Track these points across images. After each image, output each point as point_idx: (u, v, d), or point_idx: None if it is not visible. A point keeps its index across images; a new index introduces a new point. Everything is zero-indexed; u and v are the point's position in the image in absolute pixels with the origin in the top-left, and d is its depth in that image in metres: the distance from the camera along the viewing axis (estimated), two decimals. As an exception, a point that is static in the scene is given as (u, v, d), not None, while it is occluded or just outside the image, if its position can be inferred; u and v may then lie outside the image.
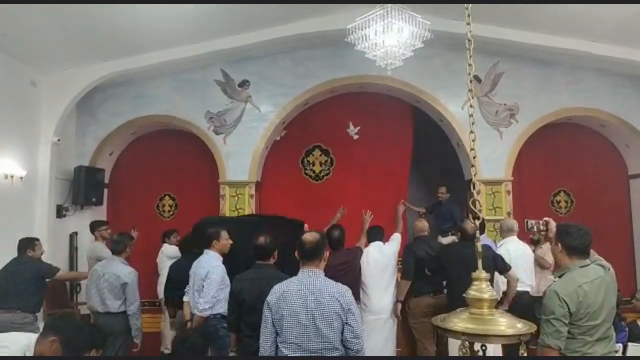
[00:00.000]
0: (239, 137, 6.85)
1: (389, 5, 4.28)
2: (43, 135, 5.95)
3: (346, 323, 2.53)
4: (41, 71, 5.92)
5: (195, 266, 3.84)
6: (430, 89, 6.80)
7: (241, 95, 6.91)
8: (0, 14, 4.61)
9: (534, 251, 5.32)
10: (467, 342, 1.87)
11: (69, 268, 6.42)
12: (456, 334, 1.88)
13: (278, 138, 7.34)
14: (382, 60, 4.58)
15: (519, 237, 5.12)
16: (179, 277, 4.40)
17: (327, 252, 2.80)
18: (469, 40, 2.16)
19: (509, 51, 6.61)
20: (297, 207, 6.93)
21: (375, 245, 4.80)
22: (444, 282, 4.71)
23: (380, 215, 5.76)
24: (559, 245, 2.64)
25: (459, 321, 1.92)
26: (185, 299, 4.05)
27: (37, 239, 4.80)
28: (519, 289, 4.49)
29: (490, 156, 6.73)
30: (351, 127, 7.38)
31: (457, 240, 4.92)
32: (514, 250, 4.84)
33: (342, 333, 2.54)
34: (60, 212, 6.32)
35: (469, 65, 2.15)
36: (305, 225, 4.38)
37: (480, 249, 2.07)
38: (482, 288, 1.96)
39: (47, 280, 4.65)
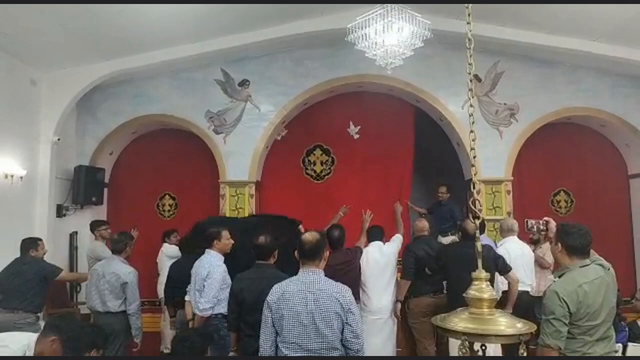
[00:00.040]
0: (238, 137, 6.85)
1: (389, 4, 4.28)
2: (43, 134, 5.95)
3: (346, 323, 2.53)
4: (41, 70, 5.92)
5: (196, 266, 3.84)
6: (430, 88, 6.80)
7: (241, 94, 6.91)
8: (0, 14, 4.61)
9: (533, 251, 5.32)
10: (467, 342, 1.87)
11: (69, 268, 6.42)
12: (456, 333, 1.88)
13: (279, 138, 7.34)
14: (382, 59, 4.58)
15: (519, 237, 5.11)
16: (180, 276, 4.41)
17: (327, 252, 2.80)
18: (469, 40, 2.16)
19: (509, 51, 6.61)
20: (298, 207, 6.93)
21: (375, 245, 4.79)
22: (444, 282, 4.72)
23: (383, 215, 5.76)
24: (559, 245, 2.64)
25: (459, 321, 1.92)
26: (187, 298, 4.05)
27: (40, 239, 4.80)
28: (519, 288, 4.49)
29: (490, 156, 6.73)
30: (352, 126, 7.39)
31: (457, 240, 4.91)
32: (514, 250, 4.84)
33: (342, 333, 2.54)
34: (60, 211, 6.32)
35: (469, 64, 2.15)
36: (300, 227, 4.39)
37: (480, 249, 2.07)
38: (482, 288, 1.96)
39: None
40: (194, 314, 3.76)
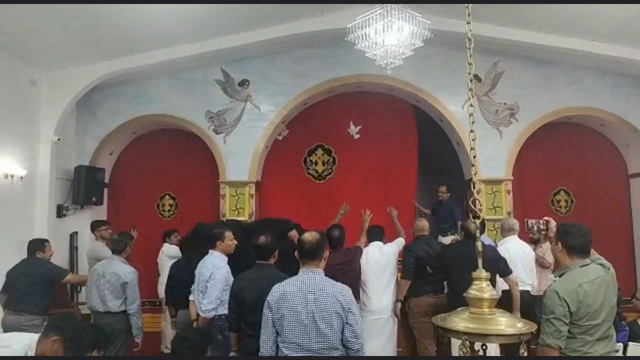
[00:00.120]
0: (238, 137, 6.85)
1: (389, 4, 4.28)
2: (43, 134, 5.95)
3: (346, 322, 2.54)
4: (41, 70, 5.92)
5: (200, 267, 3.83)
6: (430, 88, 6.80)
7: (241, 94, 6.91)
8: (0, 13, 4.61)
9: (534, 250, 5.32)
10: (467, 342, 1.87)
11: (69, 268, 6.41)
12: (457, 333, 1.88)
13: (280, 138, 7.34)
14: (382, 59, 4.58)
15: (520, 237, 5.11)
16: (180, 276, 4.41)
17: (327, 252, 2.80)
18: (469, 40, 2.16)
19: (509, 50, 6.60)
20: (299, 207, 6.95)
21: (375, 245, 4.80)
22: (444, 282, 4.72)
23: (385, 215, 5.74)
24: (559, 244, 2.64)
25: (459, 321, 1.92)
26: (191, 297, 4.04)
27: (47, 241, 4.81)
28: (519, 288, 4.49)
29: (491, 155, 6.73)
30: (352, 126, 7.39)
31: (459, 239, 4.91)
32: (514, 250, 4.84)
33: (342, 333, 2.54)
34: (60, 211, 6.32)
35: (469, 64, 2.15)
36: (293, 232, 4.39)
37: (480, 248, 2.07)
38: (483, 287, 1.96)
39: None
40: (198, 314, 3.75)
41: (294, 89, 6.85)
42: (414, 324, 4.73)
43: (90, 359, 2.35)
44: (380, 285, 4.65)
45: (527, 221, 3.25)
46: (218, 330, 3.59)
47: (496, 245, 5.06)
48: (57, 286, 4.96)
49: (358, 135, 7.40)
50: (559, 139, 7.28)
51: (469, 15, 2.20)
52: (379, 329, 4.59)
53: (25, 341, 2.34)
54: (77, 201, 6.53)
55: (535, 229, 3.16)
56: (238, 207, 6.76)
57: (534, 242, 5.62)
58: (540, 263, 5.38)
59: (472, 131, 2.13)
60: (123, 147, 7.40)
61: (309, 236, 2.72)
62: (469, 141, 2.25)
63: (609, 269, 2.62)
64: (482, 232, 4.57)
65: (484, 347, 2.01)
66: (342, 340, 2.54)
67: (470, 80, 2.14)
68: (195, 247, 4.34)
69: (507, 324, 1.89)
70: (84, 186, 6.49)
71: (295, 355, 2.53)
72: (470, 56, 2.15)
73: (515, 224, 5.13)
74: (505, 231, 5.17)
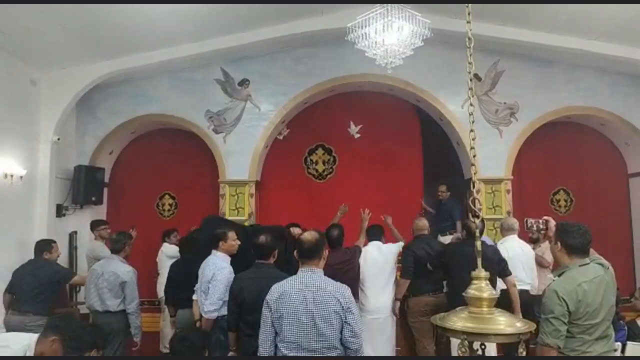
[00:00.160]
0: (238, 136, 6.85)
1: (389, 4, 4.28)
2: (43, 134, 5.95)
3: (345, 322, 2.53)
4: (41, 70, 5.91)
5: (202, 267, 3.81)
6: (430, 87, 6.81)
7: (241, 94, 6.91)
8: (0, 13, 4.60)
9: (533, 249, 5.32)
10: (466, 341, 1.88)
11: (68, 267, 6.42)
12: (455, 333, 1.88)
13: (281, 137, 7.35)
14: (382, 58, 4.58)
15: (519, 236, 5.12)
16: (180, 276, 4.41)
17: (327, 251, 2.80)
18: (469, 39, 2.16)
19: (509, 50, 6.61)
20: (299, 206, 6.96)
21: (374, 244, 4.79)
22: (444, 281, 4.72)
23: (395, 215, 5.75)
24: (559, 244, 2.64)
25: (458, 320, 1.92)
26: (194, 297, 4.02)
27: (54, 242, 4.82)
28: (518, 287, 4.49)
29: (490, 155, 6.74)
30: (352, 126, 7.39)
31: (461, 238, 4.91)
32: (513, 249, 4.84)
33: (341, 332, 2.54)
34: (60, 211, 6.32)
35: (469, 63, 2.15)
36: (296, 229, 4.38)
37: (479, 248, 2.07)
38: (482, 287, 1.97)
39: None
40: (201, 315, 3.75)
41: (294, 88, 6.85)
42: (413, 323, 4.73)
43: (89, 358, 2.35)
44: (378, 284, 4.65)
45: (526, 220, 3.24)
46: (220, 330, 3.58)
47: (495, 244, 5.06)
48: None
49: (358, 135, 7.40)
50: (558, 138, 7.28)
51: (469, 14, 2.20)
52: (377, 329, 4.58)
53: (25, 341, 2.34)
54: (76, 201, 6.54)
55: (535, 228, 3.15)
56: (238, 206, 6.76)
57: (533, 242, 5.62)
58: (539, 262, 5.37)
59: (472, 130, 2.13)
60: (123, 146, 7.41)
61: (308, 235, 2.72)
62: (468, 140, 2.26)
63: (608, 268, 2.62)
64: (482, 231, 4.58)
65: (483, 347, 2.01)
66: (341, 339, 2.54)
67: (471, 80, 2.14)
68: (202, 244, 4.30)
69: (506, 323, 1.89)
70: (83, 186, 6.49)
71: (294, 354, 2.52)
72: (471, 55, 2.15)
73: (515, 223, 5.14)
74: (505, 230, 5.17)
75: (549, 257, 5.33)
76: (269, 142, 7.07)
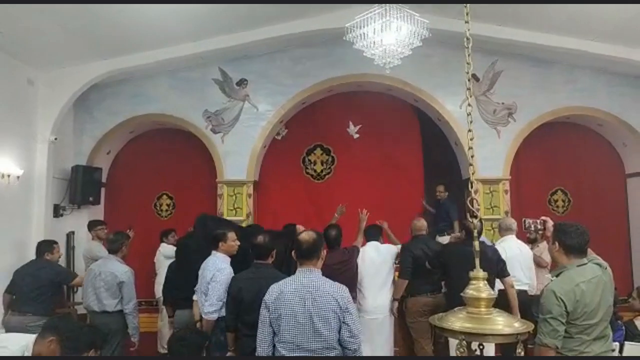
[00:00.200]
0: (236, 136, 6.84)
1: (388, 4, 4.28)
2: (40, 134, 5.92)
3: (344, 322, 2.53)
4: (38, 69, 5.89)
5: (202, 267, 3.79)
6: (429, 87, 6.81)
7: (239, 94, 6.90)
8: (-3, 12, 4.60)
9: (531, 249, 5.32)
10: (464, 342, 1.88)
11: (68, 268, 6.40)
12: (454, 333, 1.88)
13: (279, 137, 7.34)
14: (381, 58, 4.58)
15: (517, 236, 5.12)
16: (178, 277, 4.39)
17: (325, 251, 2.80)
18: (467, 39, 2.16)
19: (507, 50, 6.62)
20: (297, 206, 6.95)
21: (372, 244, 4.79)
22: (442, 281, 4.72)
23: (388, 215, 5.74)
24: (557, 244, 2.64)
25: (456, 320, 1.92)
26: (194, 297, 3.99)
27: (56, 242, 4.82)
28: (515, 288, 4.49)
29: (488, 155, 6.74)
30: (351, 126, 7.39)
31: (459, 238, 4.91)
32: (511, 249, 4.84)
33: (339, 332, 2.54)
34: (57, 211, 6.30)
35: (468, 64, 2.15)
36: (300, 227, 4.36)
37: (477, 248, 2.07)
38: (480, 287, 1.97)
39: None
40: (201, 315, 3.73)
41: (292, 88, 6.84)
42: (411, 323, 4.73)
43: (87, 359, 2.34)
44: (376, 284, 4.64)
45: (524, 221, 3.24)
46: (220, 331, 3.56)
47: (493, 244, 5.07)
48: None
49: (357, 135, 7.40)
50: (556, 138, 7.30)
51: (467, 14, 2.20)
52: (375, 329, 4.58)
53: (23, 342, 2.34)
54: (74, 201, 6.52)
55: (533, 228, 3.15)
56: (236, 206, 6.75)
57: (531, 242, 5.63)
58: (537, 263, 5.38)
59: (470, 131, 2.13)
60: (120, 146, 7.39)
61: (306, 236, 2.72)
62: (467, 141, 2.26)
63: (606, 268, 2.62)
64: (479, 231, 4.58)
65: (481, 347, 2.01)
66: (339, 340, 2.54)
67: (469, 80, 2.14)
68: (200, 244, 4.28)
69: (504, 323, 1.89)
70: (81, 186, 6.47)
71: (292, 355, 2.52)
72: (469, 56, 2.15)
73: (513, 223, 5.14)
74: (503, 230, 5.18)
75: (546, 257, 5.34)
76: (267, 142, 7.06)
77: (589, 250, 2.66)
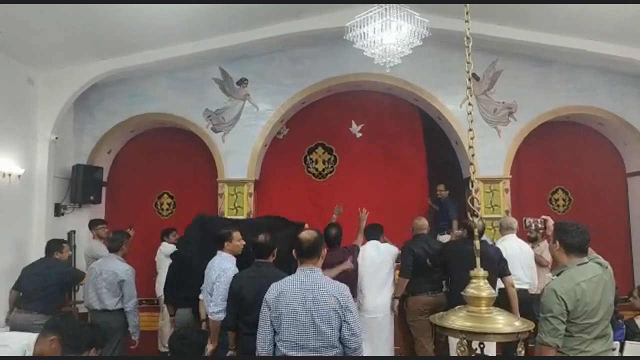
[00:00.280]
0: (237, 135, 6.84)
1: (388, 3, 4.28)
2: (40, 133, 5.93)
3: (344, 321, 2.53)
4: (38, 69, 5.90)
5: (208, 267, 3.78)
6: (429, 87, 6.81)
7: (239, 93, 6.90)
8: (-3, 12, 4.60)
9: (532, 248, 5.32)
10: (465, 341, 1.88)
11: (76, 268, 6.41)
12: (454, 332, 1.88)
13: (280, 136, 7.35)
14: (381, 58, 4.58)
15: (518, 235, 5.12)
16: (178, 276, 4.39)
17: (325, 250, 2.80)
18: (467, 38, 2.16)
19: (507, 49, 6.61)
20: (299, 205, 6.95)
21: (372, 243, 4.79)
22: (443, 281, 4.72)
23: (389, 215, 5.72)
24: (557, 243, 2.64)
25: (456, 319, 1.92)
26: (201, 297, 3.97)
27: (66, 242, 4.85)
28: (516, 287, 4.50)
29: (489, 154, 6.74)
30: (354, 125, 7.39)
31: (460, 236, 4.91)
32: (511, 248, 4.84)
33: (340, 331, 2.54)
34: (58, 210, 6.31)
35: (468, 63, 2.15)
36: (306, 225, 4.34)
37: (478, 247, 2.07)
38: (481, 286, 1.97)
39: None
40: (207, 315, 3.73)
41: (293, 88, 6.85)
42: (412, 322, 4.73)
43: (87, 358, 2.35)
44: (376, 284, 4.65)
45: (524, 220, 3.24)
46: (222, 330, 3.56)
47: (494, 243, 5.07)
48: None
49: (360, 134, 7.40)
50: (557, 137, 7.29)
51: (467, 14, 2.20)
52: (376, 328, 4.59)
53: (24, 340, 2.34)
54: (75, 200, 6.53)
55: (533, 227, 3.15)
56: (236, 205, 6.76)
57: (532, 241, 5.63)
58: (538, 262, 5.38)
59: (470, 130, 2.13)
60: (121, 146, 7.39)
61: (307, 235, 2.72)
62: (467, 140, 2.26)
63: (607, 267, 2.62)
64: (481, 230, 4.58)
65: (482, 346, 2.01)
66: (340, 338, 2.54)
67: (469, 79, 2.14)
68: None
69: (505, 322, 1.89)
70: (81, 185, 6.49)
71: (293, 354, 2.52)
72: (469, 55, 2.15)
73: (514, 222, 5.14)
74: (504, 230, 5.18)
75: (547, 257, 5.34)
76: (268, 141, 7.06)
77: (590, 249, 2.66)
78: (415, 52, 4.59)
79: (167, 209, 7.43)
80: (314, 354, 2.50)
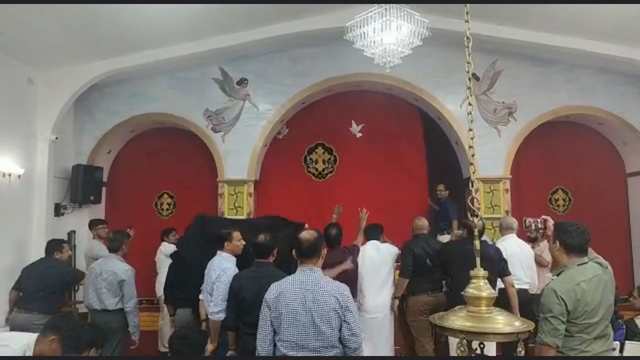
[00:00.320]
0: (237, 136, 6.84)
1: (388, 3, 4.28)
2: (40, 133, 5.93)
3: (344, 321, 2.54)
4: (38, 69, 5.90)
5: (208, 267, 3.78)
6: (429, 87, 6.81)
7: (239, 93, 6.90)
8: (-3, 12, 4.60)
9: (532, 248, 5.32)
10: (465, 341, 1.88)
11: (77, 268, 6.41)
12: (454, 332, 1.88)
13: (280, 136, 7.35)
14: (381, 58, 4.58)
15: (518, 235, 5.12)
16: (178, 277, 4.39)
17: (325, 250, 2.80)
18: (467, 38, 2.16)
19: (507, 49, 6.61)
20: (299, 205, 6.94)
21: (372, 243, 4.79)
22: (443, 281, 4.72)
23: (390, 214, 5.70)
24: (557, 243, 2.64)
25: (456, 319, 1.92)
26: (201, 297, 3.98)
27: (66, 242, 4.86)
28: (516, 287, 4.50)
29: (489, 154, 6.74)
30: (354, 125, 7.39)
31: (460, 236, 4.91)
32: (511, 248, 4.84)
33: (340, 331, 2.54)
34: (58, 210, 6.31)
35: (468, 63, 2.15)
36: (306, 225, 4.34)
37: (478, 247, 2.07)
38: (480, 286, 1.97)
39: None
40: (207, 315, 3.73)
41: (293, 88, 6.84)
42: (412, 322, 4.73)
43: (87, 358, 2.35)
44: (376, 284, 4.65)
45: (524, 220, 3.24)
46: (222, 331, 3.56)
47: (494, 243, 5.07)
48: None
49: (360, 134, 7.40)
50: (557, 138, 7.29)
51: (467, 14, 2.20)
52: (376, 328, 4.59)
53: (24, 341, 2.35)
54: (75, 200, 6.53)
55: (533, 227, 3.15)
56: (236, 205, 6.76)
57: (532, 241, 5.63)
58: (538, 262, 5.38)
59: (470, 130, 2.13)
60: (121, 146, 7.39)
61: (307, 235, 2.72)
62: (467, 140, 2.26)
63: (607, 267, 2.62)
64: (481, 230, 4.58)
65: (482, 346, 2.01)
66: (340, 338, 2.54)
67: (469, 79, 2.14)
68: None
69: (505, 322, 1.89)
70: (81, 185, 6.48)
71: (293, 354, 2.52)
72: (469, 55, 2.15)
73: (514, 222, 5.14)
74: (504, 230, 5.18)
75: (547, 257, 5.34)
76: (268, 141, 7.06)
77: (590, 249, 2.66)
78: (415, 52, 4.59)
79: (167, 209, 7.43)
80: (314, 354, 2.51)
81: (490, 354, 3.64)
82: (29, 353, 2.28)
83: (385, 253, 4.75)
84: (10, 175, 5.32)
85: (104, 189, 7.12)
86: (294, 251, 2.74)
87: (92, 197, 6.66)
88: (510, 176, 6.85)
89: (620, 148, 7.45)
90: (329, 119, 7.35)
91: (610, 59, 6.28)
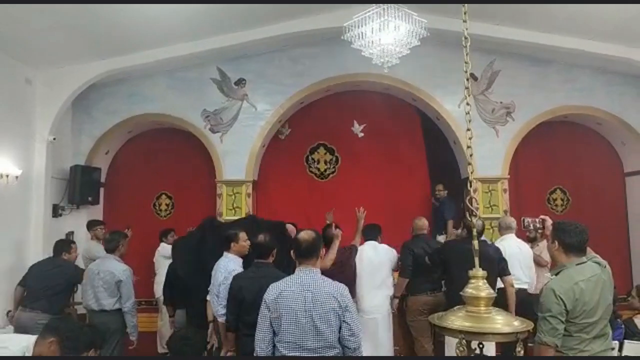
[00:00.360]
0: (235, 136, 6.83)
1: (386, 3, 4.28)
2: (38, 133, 5.91)
3: (343, 321, 2.54)
4: (36, 69, 5.88)
5: (215, 269, 3.76)
6: (427, 87, 6.81)
7: (238, 93, 6.89)
8: (-5, 12, 4.58)
9: (530, 247, 5.33)
10: (464, 341, 1.87)
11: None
12: (453, 332, 1.88)
13: (282, 137, 7.34)
14: (379, 58, 4.58)
15: (517, 235, 5.13)
16: (178, 277, 4.39)
17: (324, 251, 2.80)
18: (465, 38, 2.16)
19: (505, 49, 6.62)
20: (299, 205, 6.94)
21: (370, 243, 4.79)
22: (442, 280, 4.72)
23: (391, 214, 5.68)
24: (556, 243, 2.64)
25: (455, 319, 1.92)
26: (208, 297, 3.94)
27: (74, 242, 4.88)
28: (515, 286, 4.50)
29: (487, 154, 6.74)
30: (356, 125, 7.39)
31: (460, 235, 4.91)
32: (510, 248, 4.85)
33: (339, 331, 2.54)
34: (56, 211, 6.29)
35: (466, 63, 2.15)
36: (290, 226, 4.34)
37: (477, 247, 2.07)
38: (479, 286, 1.97)
39: None
40: (214, 316, 3.72)
41: (291, 88, 6.84)
42: (411, 322, 4.74)
43: (87, 359, 2.35)
44: (373, 284, 4.64)
45: (523, 220, 3.25)
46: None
47: (493, 243, 5.07)
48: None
49: (362, 134, 7.40)
50: (555, 137, 7.30)
51: (465, 14, 2.20)
52: (375, 328, 4.59)
53: (23, 342, 2.34)
54: (73, 201, 6.51)
55: (532, 227, 3.16)
56: (235, 206, 6.75)
57: (531, 241, 5.64)
58: (536, 261, 5.39)
59: (468, 130, 2.13)
60: (119, 146, 7.38)
61: (306, 235, 2.72)
62: (465, 140, 2.26)
63: (605, 267, 2.62)
64: (480, 230, 4.59)
65: (481, 346, 2.01)
66: (339, 338, 2.54)
67: (467, 79, 2.14)
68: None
69: (504, 322, 1.89)
70: (79, 186, 6.47)
71: (292, 354, 2.52)
72: (467, 55, 2.15)
73: (513, 222, 5.15)
74: (503, 229, 5.19)
75: (546, 256, 5.34)
76: (266, 141, 7.05)
77: (588, 249, 2.66)
78: (413, 52, 4.59)
79: (166, 210, 7.42)
80: (314, 354, 2.50)
81: (489, 354, 3.64)
82: (28, 354, 2.28)
83: (383, 254, 4.74)
84: (7, 176, 5.30)
85: (102, 190, 7.10)
86: (292, 252, 2.73)
87: (90, 198, 6.64)
88: (509, 176, 6.85)
89: (619, 148, 7.46)
90: (329, 119, 7.35)
91: (608, 59, 6.29)
